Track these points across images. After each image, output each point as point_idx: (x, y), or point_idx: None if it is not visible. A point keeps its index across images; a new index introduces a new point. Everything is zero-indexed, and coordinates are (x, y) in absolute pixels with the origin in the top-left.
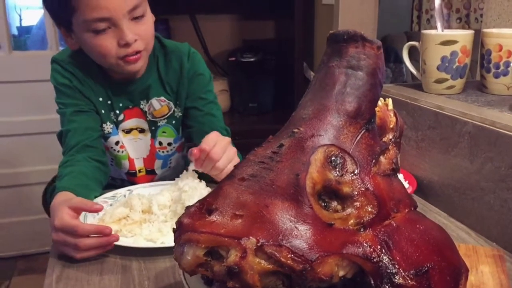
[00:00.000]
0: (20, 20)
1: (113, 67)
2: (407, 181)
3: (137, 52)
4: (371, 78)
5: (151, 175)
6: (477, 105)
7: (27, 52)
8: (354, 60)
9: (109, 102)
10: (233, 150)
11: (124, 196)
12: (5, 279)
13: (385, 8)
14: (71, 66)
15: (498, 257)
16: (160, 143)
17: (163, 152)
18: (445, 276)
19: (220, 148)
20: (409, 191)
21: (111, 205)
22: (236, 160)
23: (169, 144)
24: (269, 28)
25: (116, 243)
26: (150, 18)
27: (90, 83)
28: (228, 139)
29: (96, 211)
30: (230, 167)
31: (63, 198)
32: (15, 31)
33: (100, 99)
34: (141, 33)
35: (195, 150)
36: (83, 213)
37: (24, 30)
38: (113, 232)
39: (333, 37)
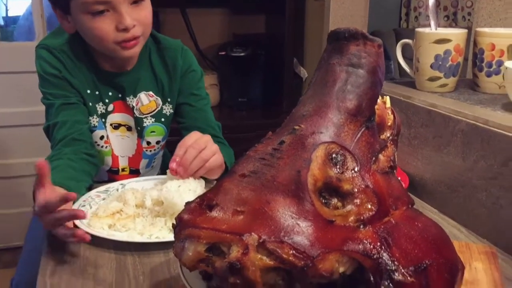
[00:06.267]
0: (6, 10)
1: (109, 52)
2: (399, 178)
3: (135, 38)
4: (371, 76)
5: (134, 175)
6: (470, 103)
7: (14, 43)
8: (355, 58)
9: (97, 92)
10: (213, 147)
11: (117, 190)
12: None
13: (374, 5)
14: (63, 55)
15: (490, 254)
16: (148, 143)
17: (150, 151)
18: (443, 273)
19: (191, 154)
20: None
21: (103, 199)
22: (217, 157)
23: (158, 142)
24: (259, 23)
25: (110, 237)
26: (149, 4)
27: (79, 73)
28: (207, 137)
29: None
30: (209, 165)
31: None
32: (1, 22)
33: (88, 91)
34: (141, 18)
35: (172, 165)
36: (76, 206)
37: (11, 21)
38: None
39: (334, 34)
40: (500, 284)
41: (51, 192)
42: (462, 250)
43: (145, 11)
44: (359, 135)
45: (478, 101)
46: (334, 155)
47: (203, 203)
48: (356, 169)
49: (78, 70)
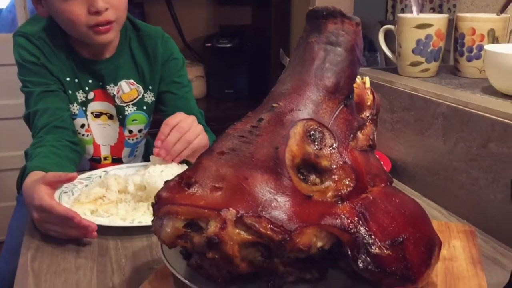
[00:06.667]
0: None
1: (83, 37)
2: (381, 163)
3: (108, 23)
4: (349, 54)
5: (116, 164)
6: (451, 87)
7: None
8: (333, 36)
9: (76, 80)
10: (197, 129)
11: (100, 177)
12: None
13: None
14: (41, 42)
15: (469, 233)
16: (130, 131)
17: (132, 139)
18: (419, 247)
19: (174, 136)
20: None
21: (86, 185)
22: (201, 137)
23: (140, 130)
24: (245, 14)
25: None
26: None
27: (58, 61)
28: (191, 119)
29: (71, 179)
30: (193, 146)
31: (37, 177)
32: None
33: (68, 78)
34: (113, 2)
35: (157, 143)
36: (58, 192)
37: None
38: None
39: (312, 13)
40: (478, 261)
41: (58, 205)
42: (441, 229)
43: None
44: (337, 113)
45: (459, 85)
46: (312, 132)
47: (182, 181)
48: (334, 146)
49: (56, 57)
